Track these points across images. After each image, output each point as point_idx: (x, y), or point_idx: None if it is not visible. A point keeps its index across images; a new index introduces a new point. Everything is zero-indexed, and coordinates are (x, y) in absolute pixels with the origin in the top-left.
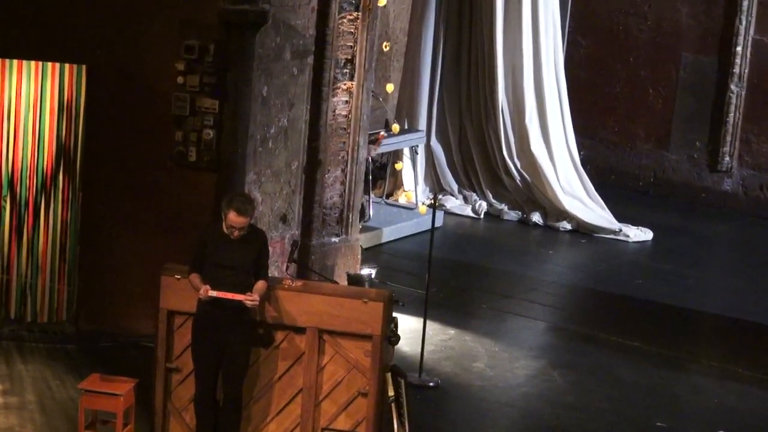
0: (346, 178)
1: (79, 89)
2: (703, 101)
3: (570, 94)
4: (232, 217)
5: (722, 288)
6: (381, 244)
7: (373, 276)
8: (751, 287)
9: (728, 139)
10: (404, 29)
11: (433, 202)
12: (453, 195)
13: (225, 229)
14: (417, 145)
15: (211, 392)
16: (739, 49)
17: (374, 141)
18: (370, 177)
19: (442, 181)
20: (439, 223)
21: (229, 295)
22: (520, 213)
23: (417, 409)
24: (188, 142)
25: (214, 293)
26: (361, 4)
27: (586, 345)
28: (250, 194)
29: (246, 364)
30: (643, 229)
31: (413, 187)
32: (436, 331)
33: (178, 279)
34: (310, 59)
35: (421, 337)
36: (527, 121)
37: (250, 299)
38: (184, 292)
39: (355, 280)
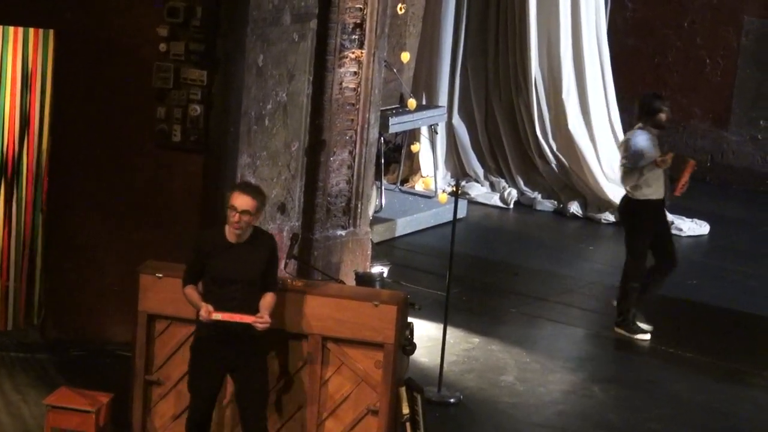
0: (354, 161)
1: (46, 57)
2: None
3: (614, 65)
4: (233, 197)
5: None
6: (394, 238)
7: (385, 275)
8: None
9: None
10: None
11: (454, 189)
12: (478, 181)
13: (229, 229)
14: (437, 124)
15: (208, 423)
16: None
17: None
18: (383, 160)
19: (465, 165)
20: (462, 213)
21: (236, 318)
22: (555, 202)
23: (436, 430)
24: (172, 120)
25: (218, 316)
26: None
27: (632, 355)
28: (258, 186)
29: (265, 385)
30: (699, 221)
31: (432, 173)
32: (458, 339)
33: (160, 278)
34: (313, 23)
35: (440, 346)
36: (564, 95)
37: (261, 322)
38: (166, 293)
39: (364, 279)
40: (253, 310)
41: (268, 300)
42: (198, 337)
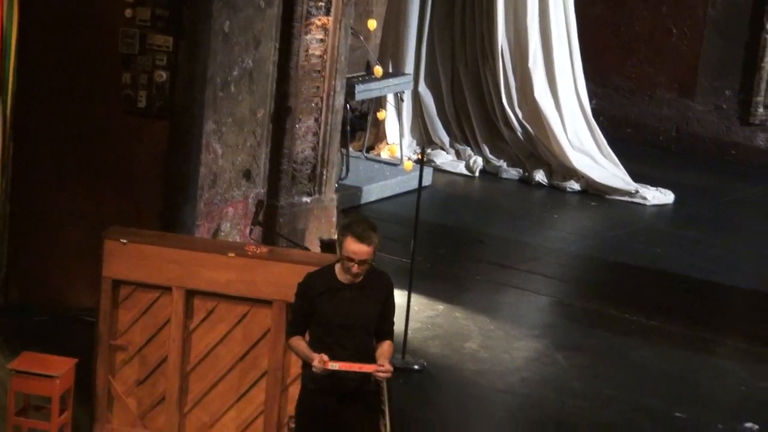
0: (320, 128)
1: (10, 21)
2: (735, 43)
3: (580, 34)
4: (350, 245)
5: (754, 258)
6: (360, 205)
7: None
8: None
9: (762, 87)
10: None
11: (420, 157)
12: (444, 149)
13: (341, 269)
14: (403, 92)
15: None
16: None
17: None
18: (348, 128)
19: (431, 132)
20: (427, 181)
21: (356, 367)
22: (520, 171)
23: (399, 396)
24: (137, 85)
25: (335, 366)
26: None
27: (596, 323)
28: (369, 219)
29: None
30: (663, 190)
31: (398, 140)
32: (423, 306)
33: (124, 243)
34: None
35: (404, 314)
36: (531, 64)
37: (383, 371)
38: (131, 259)
39: (329, 246)
40: (368, 360)
41: (386, 348)
42: (306, 390)
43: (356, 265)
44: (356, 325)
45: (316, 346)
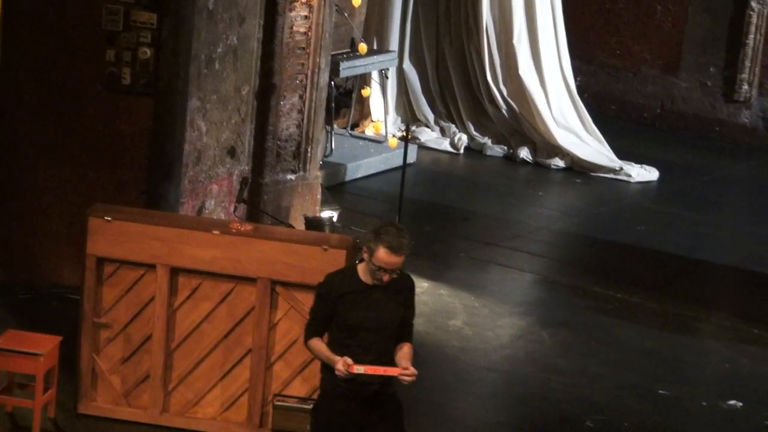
0: (304, 105)
1: None
2: (719, 20)
3: (565, 11)
4: (383, 256)
5: (738, 236)
6: (344, 183)
7: (334, 219)
8: None
9: (747, 64)
10: None
11: (405, 134)
12: (428, 126)
13: (367, 274)
14: (387, 69)
15: None
16: None
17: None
18: (333, 105)
19: (416, 110)
20: (412, 158)
21: (380, 370)
22: (505, 148)
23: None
24: (121, 63)
25: (360, 369)
26: None
27: (580, 301)
28: (398, 225)
29: None
30: (648, 167)
31: (382, 117)
32: None
33: (108, 221)
34: None
35: None
36: (515, 41)
37: (408, 374)
38: (115, 236)
39: (313, 223)
40: (389, 363)
41: (407, 351)
42: (325, 394)
43: (387, 276)
44: (380, 328)
45: (337, 349)
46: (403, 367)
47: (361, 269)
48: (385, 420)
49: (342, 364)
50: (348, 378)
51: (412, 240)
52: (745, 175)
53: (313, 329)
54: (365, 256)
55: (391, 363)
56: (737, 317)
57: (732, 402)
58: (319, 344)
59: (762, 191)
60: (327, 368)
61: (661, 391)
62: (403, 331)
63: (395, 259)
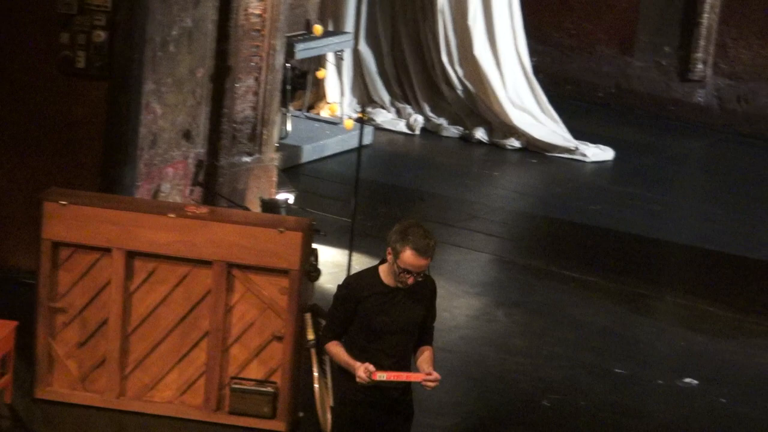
0: (259, 87)
1: None
2: None
3: None
4: (410, 259)
5: (693, 214)
6: (300, 165)
7: (290, 201)
8: (726, 214)
9: (702, 43)
10: None
11: (361, 115)
12: (384, 108)
13: (389, 276)
14: (343, 50)
15: None
16: None
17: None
18: (288, 87)
19: (371, 91)
20: (367, 140)
21: (403, 376)
22: (461, 128)
23: None
24: (76, 46)
25: (383, 376)
26: None
27: (536, 280)
28: (423, 225)
29: None
30: (603, 147)
31: (338, 99)
32: (364, 264)
33: (64, 205)
34: None
35: (346, 272)
36: (470, 21)
37: (431, 379)
38: (71, 220)
39: (269, 206)
40: (408, 367)
41: (428, 355)
42: (344, 401)
43: (413, 278)
44: (402, 331)
45: (356, 353)
46: (426, 372)
47: (383, 271)
48: (402, 428)
49: (363, 371)
50: (370, 385)
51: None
52: (700, 154)
53: (331, 332)
54: (389, 257)
55: (412, 367)
56: (692, 295)
57: (688, 380)
58: (337, 348)
59: (716, 170)
60: (344, 373)
61: (617, 370)
62: (424, 334)
63: (422, 262)
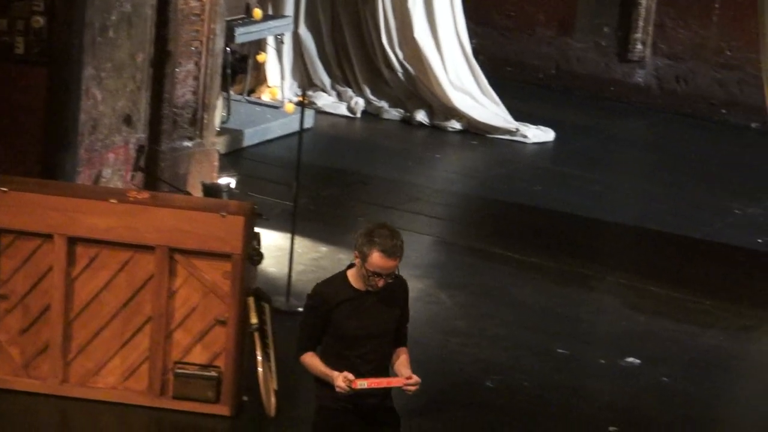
0: (200, 72)
1: None
2: None
3: None
4: (378, 261)
5: (633, 194)
6: (242, 149)
7: (232, 186)
8: (666, 193)
9: (640, 23)
10: None
11: (301, 99)
12: (325, 91)
13: (359, 280)
14: (283, 34)
15: None
16: None
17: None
18: (229, 71)
19: (312, 74)
20: (309, 123)
21: (384, 383)
22: (402, 111)
23: (284, 339)
24: (14, 31)
25: (363, 384)
26: None
27: (478, 262)
28: (390, 226)
29: None
30: (544, 128)
31: (279, 83)
32: (306, 248)
33: (5, 192)
34: None
35: (288, 256)
36: (410, 4)
37: (412, 383)
38: (12, 207)
39: (211, 190)
40: (387, 372)
41: (405, 358)
42: (322, 410)
43: (381, 281)
44: (378, 335)
45: (333, 361)
46: (406, 376)
47: (352, 275)
48: None
49: (343, 380)
50: (351, 394)
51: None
52: (640, 134)
53: (305, 343)
54: (357, 261)
55: (390, 371)
56: (633, 275)
57: (630, 359)
58: (312, 359)
59: (656, 150)
60: (322, 382)
61: (559, 350)
62: (399, 335)
63: (391, 263)
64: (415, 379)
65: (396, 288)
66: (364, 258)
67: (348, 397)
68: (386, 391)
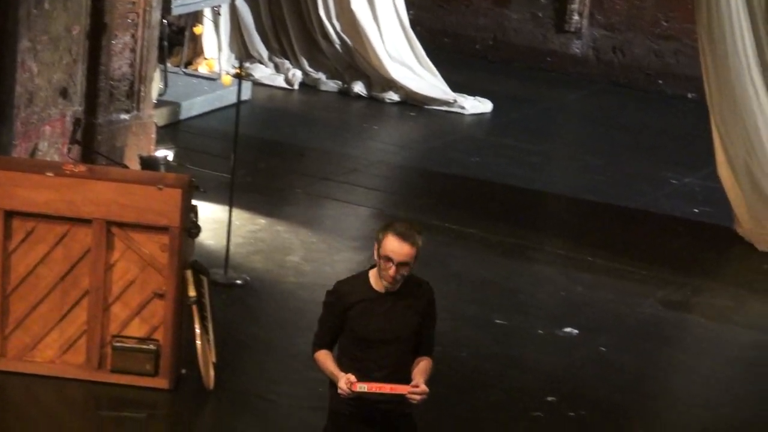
0: (136, 44)
1: None
2: None
3: None
4: (390, 244)
5: (571, 165)
6: (179, 122)
7: (169, 158)
8: (604, 164)
9: None
10: None
11: (239, 71)
12: (262, 63)
13: (379, 280)
14: (220, 6)
15: None
16: None
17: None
18: (165, 43)
19: (249, 46)
20: (246, 95)
21: (386, 388)
22: (340, 83)
23: (223, 311)
24: None
25: (363, 387)
26: None
27: None
28: (413, 222)
29: None
30: (481, 99)
31: (216, 55)
32: (244, 220)
33: None
34: None
35: (226, 229)
36: None
37: (417, 392)
38: None
39: (148, 163)
40: (406, 380)
41: (424, 366)
42: (334, 413)
43: (394, 267)
44: (394, 340)
45: (347, 363)
46: (413, 384)
47: (373, 276)
48: None
49: (344, 381)
50: (352, 397)
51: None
52: (577, 105)
53: (320, 341)
54: (375, 254)
55: (407, 379)
56: (571, 245)
57: (568, 329)
58: (325, 358)
59: (593, 120)
60: (334, 386)
61: (497, 321)
62: (422, 343)
63: (403, 248)
64: (422, 388)
65: (418, 292)
66: (379, 245)
67: (354, 400)
68: (401, 399)
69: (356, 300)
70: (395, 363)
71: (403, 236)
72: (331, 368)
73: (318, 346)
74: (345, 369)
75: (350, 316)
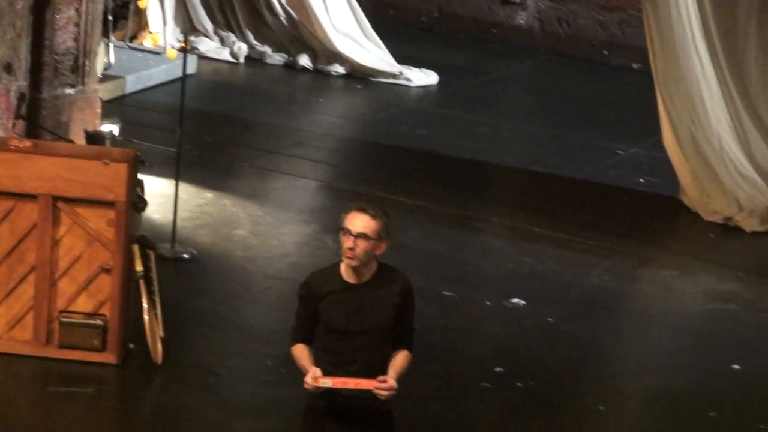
0: (81, 18)
1: None
2: None
3: None
4: (349, 215)
5: (517, 136)
6: (124, 96)
7: (115, 133)
8: (550, 135)
9: None
10: None
11: (183, 45)
12: (207, 36)
13: (349, 270)
14: None
15: None
16: None
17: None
18: (110, 17)
19: (194, 20)
20: (191, 69)
21: (351, 383)
22: (285, 56)
23: (170, 286)
24: None
25: (327, 382)
26: None
27: None
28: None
29: None
30: (427, 71)
31: (161, 29)
32: (191, 194)
33: None
34: None
35: (173, 203)
36: None
37: (384, 388)
38: None
39: (94, 138)
40: (383, 372)
41: (399, 360)
42: (309, 407)
43: (352, 239)
44: (367, 331)
45: (322, 357)
46: (381, 379)
47: (344, 267)
48: None
49: (309, 376)
50: (321, 392)
51: (389, 221)
52: (523, 76)
53: (296, 334)
54: (340, 234)
55: (383, 372)
56: (518, 216)
57: (515, 300)
58: (299, 351)
59: (539, 91)
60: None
61: (445, 293)
62: (399, 336)
63: (361, 219)
64: (390, 383)
65: (393, 285)
66: (340, 225)
67: (327, 394)
68: (371, 393)
69: (327, 291)
70: (370, 355)
71: (361, 209)
72: (303, 362)
73: (294, 340)
74: (320, 362)
75: (323, 308)
